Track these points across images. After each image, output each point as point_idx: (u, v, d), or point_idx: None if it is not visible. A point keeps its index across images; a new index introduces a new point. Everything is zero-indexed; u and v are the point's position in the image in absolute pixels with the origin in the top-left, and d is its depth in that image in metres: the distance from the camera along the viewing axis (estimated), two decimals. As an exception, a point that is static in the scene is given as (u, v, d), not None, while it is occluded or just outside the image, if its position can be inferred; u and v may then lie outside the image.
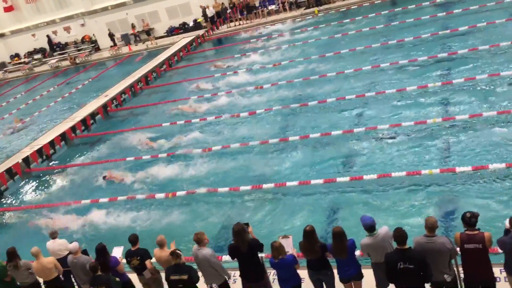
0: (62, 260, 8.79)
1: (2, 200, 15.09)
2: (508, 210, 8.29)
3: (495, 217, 8.22)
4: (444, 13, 20.54)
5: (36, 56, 36.05)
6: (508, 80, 13.20)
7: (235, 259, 7.35)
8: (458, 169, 9.90)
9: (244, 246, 7.07)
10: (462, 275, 6.44)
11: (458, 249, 6.26)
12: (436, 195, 9.52)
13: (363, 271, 6.97)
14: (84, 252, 8.38)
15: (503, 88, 12.96)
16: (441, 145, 11.26)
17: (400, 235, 6.09)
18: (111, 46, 32.01)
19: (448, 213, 8.92)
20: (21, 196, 14.98)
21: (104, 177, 14.05)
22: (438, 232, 6.41)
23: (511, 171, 9.49)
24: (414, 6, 22.65)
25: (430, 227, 6.18)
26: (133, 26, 31.64)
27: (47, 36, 35.55)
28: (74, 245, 8.15)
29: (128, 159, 15.04)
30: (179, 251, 7.19)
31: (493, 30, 17.15)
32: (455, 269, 6.42)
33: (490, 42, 15.81)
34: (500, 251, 6.34)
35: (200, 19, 30.30)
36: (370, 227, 6.58)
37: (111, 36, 31.99)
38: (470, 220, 6.09)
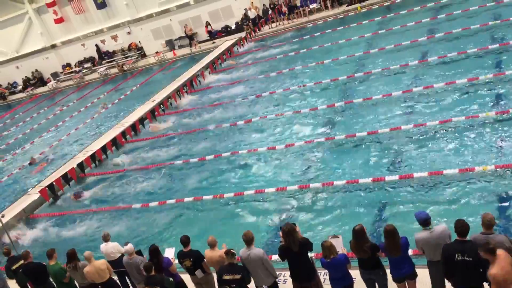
0: (117, 262, 9.12)
1: (58, 205, 15.74)
2: None
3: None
4: (494, 3, 19.76)
5: (86, 65, 37.43)
6: None
7: (285, 259, 7.38)
8: (514, 165, 9.52)
9: (295, 246, 7.08)
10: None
11: (517, 247, 6.02)
12: (492, 192, 9.18)
13: (417, 270, 6.82)
14: (138, 252, 8.64)
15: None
16: (495, 140, 10.84)
17: (462, 225, 5.93)
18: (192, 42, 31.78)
19: (505, 210, 8.58)
20: (76, 201, 15.56)
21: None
22: (496, 230, 6.19)
23: None
24: (461, -4, 21.97)
25: (487, 224, 5.98)
26: (206, 25, 31.41)
27: (96, 45, 36.86)
28: (130, 246, 8.41)
29: (176, 162, 15.36)
30: (233, 251, 7.29)
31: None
32: (514, 268, 6.18)
33: (545, 31, 15.12)
34: None
35: (239, 21, 30.51)
36: (424, 221, 6.44)
37: (187, 34, 32.01)
38: (529, 217, 5.86)
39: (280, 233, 7.32)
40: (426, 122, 12.41)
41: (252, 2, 29.90)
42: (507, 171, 9.50)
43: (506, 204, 8.78)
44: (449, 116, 12.41)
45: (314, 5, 28.58)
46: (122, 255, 8.95)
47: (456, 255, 5.91)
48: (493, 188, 9.28)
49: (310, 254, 7.42)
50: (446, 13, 20.61)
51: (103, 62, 36.42)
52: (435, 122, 12.28)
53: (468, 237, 6.02)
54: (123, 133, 19.08)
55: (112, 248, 9.33)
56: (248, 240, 7.35)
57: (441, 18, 20.44)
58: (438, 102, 13.44)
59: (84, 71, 36.79)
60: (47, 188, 15.76)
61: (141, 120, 20.12)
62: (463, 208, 8.99)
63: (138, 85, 28.18)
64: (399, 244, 6.59)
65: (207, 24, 31.29)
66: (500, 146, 10.55)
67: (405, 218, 9.21)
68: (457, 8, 20.68)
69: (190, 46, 31.48)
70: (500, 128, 11.15)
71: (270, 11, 29.40)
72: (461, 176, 9.85)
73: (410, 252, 7.18)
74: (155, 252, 8.11)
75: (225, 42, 29.09)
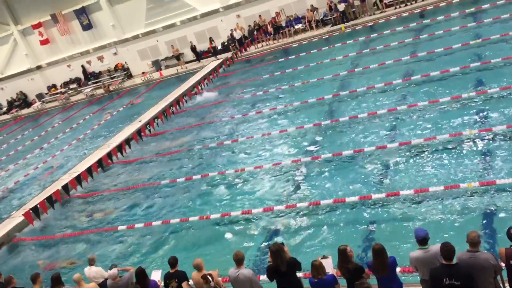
0: (102, 286, 8.97)
1: (43, 227, 15.48)
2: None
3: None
4: (474, 23, 20.25)
5: (72, 86, 37.34)
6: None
7: (274, 280, 7.32)
8: (498, 182, 9.62)
9: (283, 266, 7.05)
10: (509, 292, 6.22)
11: (503, 265, 6.06)
12: (477, 209, 9.25)
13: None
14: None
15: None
16: (479, 157, 10.99)
17: (448, 249, 5.93)
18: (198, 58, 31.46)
19: (491, 228, 8.65)
20: (61, 223, 15.34)
21: None
22: (482, 247, 6.22)
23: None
24: (443, 17, 22.42)
25: (471, 242, 6.02)
26: (211, 41, 31.00)
27: (82, 66, 36.83)
28: (114, 271, 8.31)
29: (163, 182, 15.27)
30: (209, 276, 7.21)
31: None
32: (501, 285, 6.20)
33: (524, 50, 15.48)
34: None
35: (226, 42, 30.75)
36: (422, 239, 6.45)
37: (193, 49, 31.53)
38: (513, 236, 5.91)
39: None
40: (411, 140, 12.54)
41: (237, 23, 30.23)
42: (491, 188, 9.60)
43: (491, 221, 8.85)
44: (433, 134, 12.55)
45: (299, 26, 28.98)
46: (106, 279, 8.84)
47: (444, 279, 5.90)
48: (478, 205, 9.35)
49: (298, 274, 7.38)
50: (428, 33, 21.02)
51: (89, 82, 36.35)
52: (420, 140, 12.42)
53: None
54: (109, 154, 18.95)
55: (95, 272, 9.22)
56: (238, 260, 7.30)
57: (424, 38, 20.84)
58: (423, 120, 13.61)
59: (69, 92, 36.66)
60: (31, 211, 15.50)
61: (127, 141, 20.01)
62: (449, 225, 9.04)
63: (124, 106, 28.12)
64: (387, 263, 6.59)
65: (211, 40, 31.01)
66: (484, 163, 10.68)
67: (393, 236, 9.24)
68: (438, 28, 21.11)
69: (198, 60, 31.34)
70: (484, 145, 11.30)
71: (255, 32, 29.71)
72: (447, 193, 9.92)
73: (398, 269, 7.18)
74: (141, 275, 8.00)
75: (212, 63, 29.26)
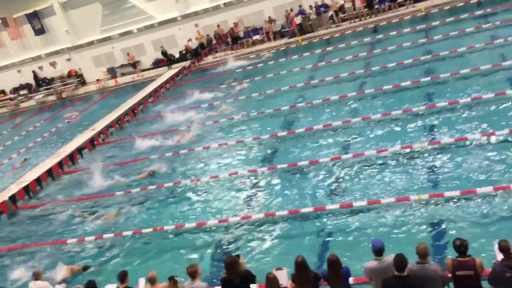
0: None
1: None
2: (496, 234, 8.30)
3: (485, 241, 8.25)
4: (425, 39, 21.03)
5: (22, 92, 36.00)
6: (491, 102, 13.43)
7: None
8: (446, 194, 9.95)
9: (237, 279, 7.02)
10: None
11: (450, 275, 6.25)
12: (426, 221, 9.52)
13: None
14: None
15: (487, 110, 13.18)
16: (428, 169, 11.34)
17: (400, 261, 6.07)
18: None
19: (439, 239, 8.92)
20: (7, 236, 14.67)
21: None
22: (431, 258, 6.40)
23: (498, 194, 9.55)
24: (395, 32, 23.19)
25: (420, 254, 6.19)
26: (188, 41, 30.23)
27: (33, 71, 35.62)
28: (62, 286, 8.02)
29: (117, 193, 14.91)
30: (177, 278, 7.12)
31: (473, 54, 17.58)
32: (448, 295, 6.40)
33: (471, 66, 16.17)
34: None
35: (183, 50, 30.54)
36: (377, 250, 6.56)
37: (164, 53, 30.62)
38: (459, 248, 6.11)
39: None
40: (364, 152, 12.82)
41: (198, 31, 30.13)
42: (440, 200, 9.92)
43: (439, 232, 9.12)
44: (385, 146, 12.87)
45: (257, 37, 29.24)
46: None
47: None
48: (427, 216, 9.62)
49: (253, 286, 7.34)
50: (382, 48, 21.66)
51: (41, 89, 35.19)
52: (373, 151, 12.70)
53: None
54: (60, 163, 18.34)
55: (40, 287, 8.86)
56: (193, 273, 7.21)
57: (377, 52, 21.44)
58: (375, 132, 13.95)
59: (19, 98, 35.33)
60: (-26, 223, 14.78)
61: (80, 150, 19.45)
62: (399, 236, 9.25)
63: (77, 113, 27.37)
64: (341, 274, 6.68)
65: (190, 40, 30.24)
66: (433, 176, 11.04)
67: (346, 247, 9.37)
68: (391, 43, 21.81)
69: (169, 66, 30.20)
70: (433, 158, 11.68)
71: (214, 41, 29.70)
72: (398, 204, 10.16)
73: (351, 280, 7.27)
74: (91, 289, 7.77)
75: (169, 71, 28.98)
